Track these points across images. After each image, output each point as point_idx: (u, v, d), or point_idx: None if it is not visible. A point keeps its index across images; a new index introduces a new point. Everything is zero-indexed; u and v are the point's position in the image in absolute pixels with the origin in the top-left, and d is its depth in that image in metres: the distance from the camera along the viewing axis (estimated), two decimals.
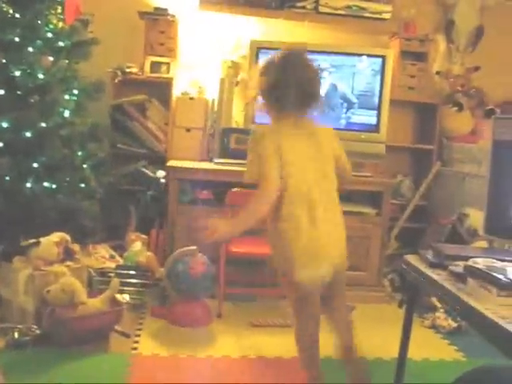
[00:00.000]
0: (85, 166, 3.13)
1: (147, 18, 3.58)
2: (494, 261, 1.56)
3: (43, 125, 2.82)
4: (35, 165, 2.82)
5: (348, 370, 2.13)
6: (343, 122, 3.54)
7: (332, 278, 1.99)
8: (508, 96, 3.99)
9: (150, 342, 2.62)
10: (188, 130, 3.64)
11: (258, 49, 3.44)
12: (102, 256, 3.20)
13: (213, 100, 3.70)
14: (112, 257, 3.25)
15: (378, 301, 3.37)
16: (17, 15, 2.79)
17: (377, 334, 2.85)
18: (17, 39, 2.78)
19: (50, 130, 2.86)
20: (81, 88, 3.10)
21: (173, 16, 3.59)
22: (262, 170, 1.93)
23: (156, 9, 3.62)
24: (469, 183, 3.53)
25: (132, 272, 3.03)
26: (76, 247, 2.82)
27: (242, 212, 1.95)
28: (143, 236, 3.34)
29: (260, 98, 2.07)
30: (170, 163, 3.40)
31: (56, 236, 2.71)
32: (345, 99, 3.54)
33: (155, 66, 3.58)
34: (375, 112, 3.52)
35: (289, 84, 1.98)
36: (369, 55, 3.52)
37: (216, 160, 3.47)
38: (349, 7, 3.61)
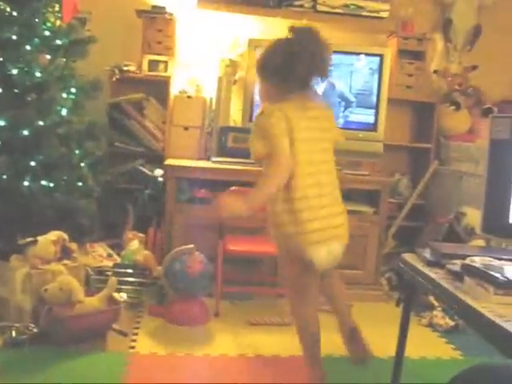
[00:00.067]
0: (82, 164, 3.12)
1: (145, 16, 3.58)
2: (491, 259, 1.56)
3: (40, 123, 2.81)
4: (32, 163, 2.81)
5: (349, 347, 2.23)
6: (341, 120, 3.54)
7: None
8: (505, 95, 4.00)
9: (148, 340, 2.62)
10: (186, 129, 3.64)
11: (255, 47, 3.44)
12: (100, 255, 3.19)
13: (210, 98, 3.69)
14: (109, 255, 3.25)
15: (376, 299, 3.37)
16: (14, 13, 2.78)
17: (374, 332, 2.84)
18: (14, 37, 2.77)
19: (48, 129, 2.85)
20: (78, 86, 3.09)
21: (170, 14, 3.58)
22: (274, 145, 1.95)
23: (154, 7, 3.61)
24: (466, 182, 3.54)
25: (129, 271, 3.03)
26: (73, 246, 2.82)
27: (257, 188, 1.99)
28: (141, 235, 3.34)
29: (263, 80, 2.12)
30: (168, 162, 3.40)
31: (53, 234, 2.71)
32: (342, 98, 3.54)
33: (153, 65, 3.58)
34: (373, 111, 3.53)
35: (300, 62, 2.01)
36: (366, 54, 3.52)
37: (214, 159, 3.47)
38: (347, 6, 3.61)
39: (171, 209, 3.30)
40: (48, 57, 2.92)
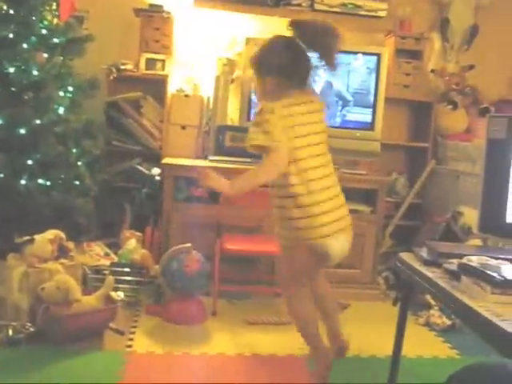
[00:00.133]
0: (79, 163, 3.12)
1: (142, 14, 3.57)
2: (488, 259, 1.56)
3: (38, 122, 2.81)
4: (29, 162, 2.81)
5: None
6: (338, 119, 3.54)
7: None
8: (502, 94, 4.01)
9: (145, 339, 2.62)
10: (183, 128, 3.63)
11: (253, 46, 3.44)
12: (97, 253, 3.19)
13: (208, 97, 3.69)
14: (107, 254, 3.24)
15: (373, 298, 3.37)
16: (11, 11, 2.78)
17: (371, 331, 2.86)
18: (11, 35, 2.77)
19: (45, 127, 2.85)
20: (75, 85, 3.09)
21: (168, 13, 3.58)
22: (272, 141, 1.95)
23: (151, 6, 3.61)
24: (463, 181, 3.54)
25: (127, 270, 3.02)
26: (70, 245, 2.81)
27: (247, 176, 2.01)
28: (138, 233, 3.34)
29: (263, 76, 2.10)
30: (165, 160, 3.39)
31: (50, 233, 2.70)
32: (340, 97, 3.54)
33: (150, 63, 3.58)
34: (370, 110, 3.53)
35: (302, 60, 2.07)
36: (364, 53, 3.53)
37: (211, 157, 3.47)
38: (344, 5, 3.61)
39: (168, 208, 3.30)
40: (45, 55, 2.91)
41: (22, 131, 2.77)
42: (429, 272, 1.66)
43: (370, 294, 3.40)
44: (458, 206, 3.43)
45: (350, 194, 3.52)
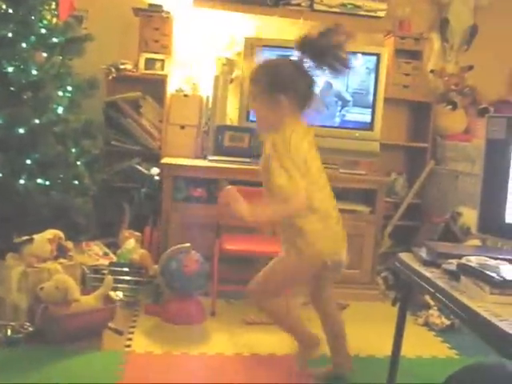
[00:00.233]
0: (78, 162, 3.11)
1: (142, 14, 3.57)
2: (487, 259, 1.56)
3: (36, 121, 2.81)
4: (28, 161, 2.81)
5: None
6: (337, 119, 3.54)
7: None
8: (501, 95, 4.01)
9: (144, 339, 2.62)
10: (182, 127, 3.63)
11: (252, 46, 3.44)
12: (96, 253, 3.19)
13: (207, 97, 3.69)
14: (105, 254, 3.24)
15: (372, 299, 3.37)
16: (10, 10, 2.77)
17: (370, 331, 2.86)
18: (10, 35, 2.76)
19: (44, 127, 2.85)
20: (75, 84, 3.09)
21: (167, 13, 3.58)
22: (296, 185, 1.94)
23: (150, 5, 3.61)
24: (462, 182, 3.55)
25: (125, 269, 3.02)
26: (69, 244, 2.81)
27: (269, 208, 2.03)
28: (137, 233, 3.34)
29: (277, 96, 2.02)
30: (164, 160, 3.39)
31: (49, 233, 2.70)
32: (339, 97, 3.54)
33: (149, 63, 3.57)
34: (369, 110, 3.52)
35: (312, 84, 2.05)
36: (363, 53, 3.52)
37: (210, 157, 3.47)
38: (344, 5, 3.61)
39: (168, 207, 3.30)
40: (44, 55, 2.91)
41: (21, 131, 2.76)
42: (428, 272, 1.66)
43: (369, 294, 3.40)
44: (457, 206, 3.43)
45: (349, 194, 3.55)
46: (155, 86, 3.60)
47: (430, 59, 4.03)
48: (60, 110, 2.96)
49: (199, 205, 3.31)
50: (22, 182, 2.78)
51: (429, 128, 3.88)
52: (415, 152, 3.99)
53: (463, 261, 1.55)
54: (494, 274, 1.42)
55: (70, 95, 3.06)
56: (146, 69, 3.56)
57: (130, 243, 3.19)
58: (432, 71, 3.99)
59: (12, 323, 2.45)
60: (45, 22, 2.94)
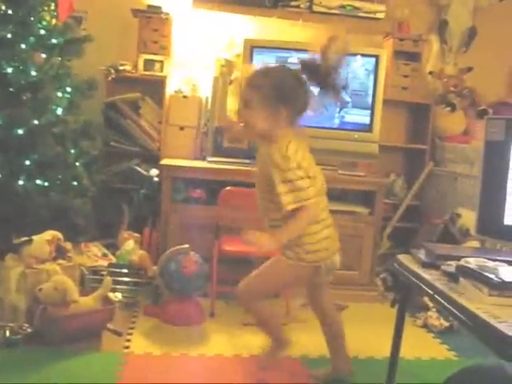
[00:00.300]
0: (77, 163, 3.11)
1: (141, 15, 3.57)
2: (486, 260, 1.56)
3: (35, 122, 2.81)
4: (27, 162, 2.80)
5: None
6: (336, 121, 3.54)
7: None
8: (500, 96, 4.01)
9: (143, 340, 2.62)
10: (181, 129, 3.63)
11: (251, 47, 3.44)
12: (95, 254, 3.18)
13: (206, 98, 3.69)
14: (104, 255, 3.24)
15: (371, 300, 3.37)
16: (9, 11, 2.77)
17: (369, 333, 2.86)
18: (9, 36, 2.76)
19: (43, 128, 2.84)
20: (74, 85, 3.09)
21: (166, 14, 3.58)
22: (305, 198, 1.96)
23: (149, 6, 3.61)
24: (461, 183, 3.55)
25: (124, 270, 3.02)
26: (68, 245, 2.81)
27: (289, 229, 2.01)
28: (136, 234, 3.33)
29: (277, 105, 1.98)
30: (164, 161, 3.39)
31: (48, 234, 2.70)
32: None
33: (149, 64, 3.57)
34: (368, 112, 3.53)
35: (309, 99, 2.02)
36: (362, 55, 3.52)
37: (209, 158, 3.47)
38: (343, 7, 3.61)
39: (167, 209, 3.30)
40: (43, 56, 2.91)
41: (20, 132, 2.76)
42: (427, 274, 1.66)
43: (368, 295, 3.40)
44: (456, 207, 3.44)
45: (348, 196, 3.56)
46: (154, 87, 3.61)
47: (428, 61, 4.04)
48: (59, 111, 2.96)
49: (198, 206, 3.31)
50: (21, 182, 2.77)
51: (428, 129, 3.89)
52: (414, 153, 3.99)
53: (462, 262, 1.56)
54: (492, 276, 1.42)
55: (69, 96, 3.06)
56: (145, 70, 3.57)
57: (129, 244, 3.19)
58: (431, 73, 4.00)
59: (11, 324, 2.45)
60: (44, 22, 2.94)
